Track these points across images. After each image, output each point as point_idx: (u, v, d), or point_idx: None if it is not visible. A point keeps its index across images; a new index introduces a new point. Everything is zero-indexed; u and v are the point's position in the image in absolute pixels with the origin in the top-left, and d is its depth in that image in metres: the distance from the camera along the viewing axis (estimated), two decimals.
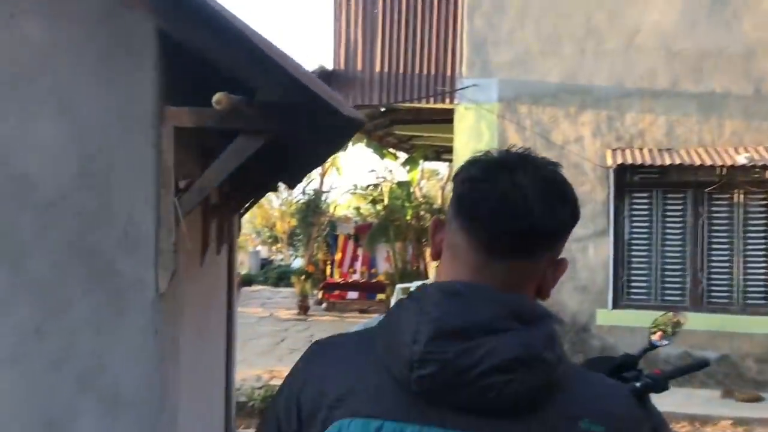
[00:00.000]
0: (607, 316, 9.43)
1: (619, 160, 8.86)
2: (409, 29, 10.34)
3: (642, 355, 4.24)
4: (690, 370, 3.75)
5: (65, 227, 2.08)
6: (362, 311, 18.87)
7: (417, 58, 10.23)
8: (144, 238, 2.08)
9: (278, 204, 30.91)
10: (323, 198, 25.48)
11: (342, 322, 16.72)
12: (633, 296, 9.45)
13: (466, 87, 9.62)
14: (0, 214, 2.07)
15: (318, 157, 3.33)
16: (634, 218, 9.39)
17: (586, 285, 9.38)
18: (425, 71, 10.21)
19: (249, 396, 8.90)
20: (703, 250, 9.23)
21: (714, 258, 9.24)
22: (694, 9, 9.21)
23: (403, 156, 18.35)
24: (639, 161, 8.82)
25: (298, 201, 27.19)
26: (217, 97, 1.97)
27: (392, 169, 21.11)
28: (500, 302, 1.02)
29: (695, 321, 8.33)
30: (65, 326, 2.07)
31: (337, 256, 21.52)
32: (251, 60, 1.99)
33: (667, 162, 8.76)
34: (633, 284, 9.43)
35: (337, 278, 20.87)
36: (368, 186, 22.50)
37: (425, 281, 13.80)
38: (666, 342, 3.95)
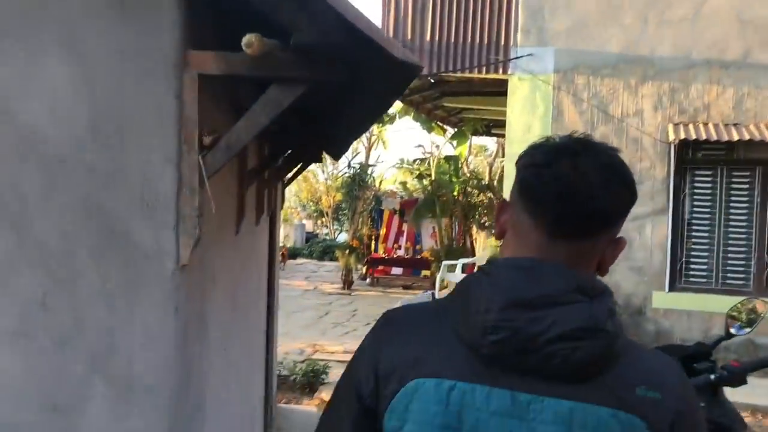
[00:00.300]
0: (663, 299, 9.13)
1: (682, 135, 8.47)
2: None
3: (716, 345, 3.84)
4: None
5: (74, 187, 1.82)
6: (406, 287, 18.71)
7: (469, 26, 9.84)
8: (163, 201, 1.81)
9: (324, 178, 30.89)
10: (369, 172, 25.30)
11: (386, 298, 16.60)
12: (691, 279, 9.12)
13: (521, 56, 9.32)
14: (1, 170, 1.82)
15: (365, 118, 3.01)
16: (696, 197, 9.04)
17: (642, 266, 9.06)
18: (477, 40, 9.81)
19: (291, 370, 8.76)
20: None
21: None
22: None
23: (451, 131, 17.96)
24: (703, 136, 8.42)
25: (343, 175, 27.08)
26: (247, 38, 1.69)
27: (439, 144, 20.76)
28: (566, 277, 1.11)
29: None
30: (73, 299, 1.82)
31: (382, 231, 21.37)
32: None
33: (735, 138, 8.34)
34: (692, 266, 9.09)
35: (381, 253, 20.74)
36: (415, 160, 22.16)
37: (472, 258, 13.55)
38: (746, 331, 3.56)
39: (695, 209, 9.05)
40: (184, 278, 1.86)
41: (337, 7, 1.56)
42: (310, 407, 7.81)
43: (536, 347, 1.06)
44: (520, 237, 1.17)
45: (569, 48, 9.28)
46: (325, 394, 8.17)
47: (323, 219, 32.15)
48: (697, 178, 9.05)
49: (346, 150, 5.16)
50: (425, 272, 18.83)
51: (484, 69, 9.86)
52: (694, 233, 9.06)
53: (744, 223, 8.91)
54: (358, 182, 23.14)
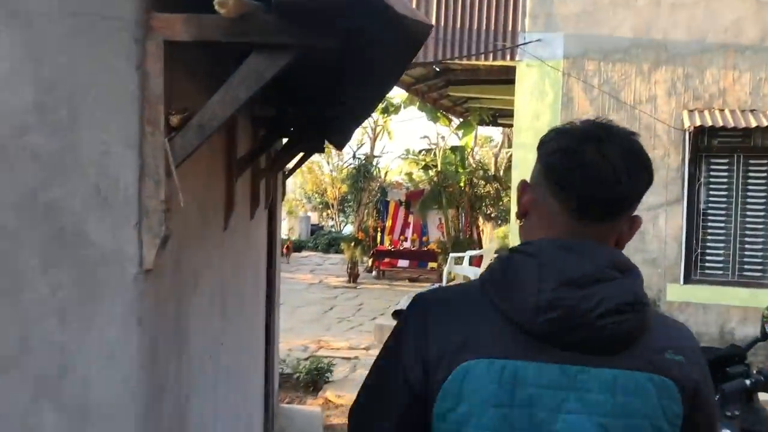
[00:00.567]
0: (678, 292, 8.90)
1: (697, 122, 8.19)
2: None
3: (751, 347, 3.54)
4: None
5: (16, 177, 1.51)
6: (412, 280, 18.46)
7: (475, 11, 9.52)
8: (122, 193, 1.50)
9: (329, 170, 30.62)
10: (374, 163, 25.02)
11: (392, 291, 16.36)
12: (707, 271, 8.87)
13: (529, 42, 9.04)
14: None
15: (368, 97, 2.69)
16: (712, 186, 8.77)
17: (656, 257, 8.81)
18: (484, 26, 9.50)
19: (294, 368, 8.51)
20: None
21: None
22: None
23: (456, 121, 17.67)
24: (719, 123, 8.15)
25: (348, 166, 26.79)
26: None
27: (445, 135, 20.45)
28: (603, 255, 1.19)
29: None
30: (17, 312, 1.52)
31: (388, 223, 21.14)
32: None
33: (753, 124, 8.08)
34: (707, 258, 8.84)
35: (387, 245, 20.49)
36: (420, 151, 21.86)
37: (479, 251, 13.31)
38: None
39: (711, 198, 8.79)
40: (150, 284, 1.55)
41: None
42: (314, 407, 7.55)
43: (588, 322, 1.14)
44: (546, 219, 1.23)
45: (579, 33, 9.00)
46: (330, 393, 7.91)
47: (329, 211, 31.92)
48: (712, 167, 8.77)
49: (349, 139, 4.86)
50: (432, 264, 18.58)
51: (491, 56, 9.54)
52: (709, 223, 8.80)
53: (762, 213, 8.65)
54: (363, 173, 22.85)
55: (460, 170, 18.72)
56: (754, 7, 8.48)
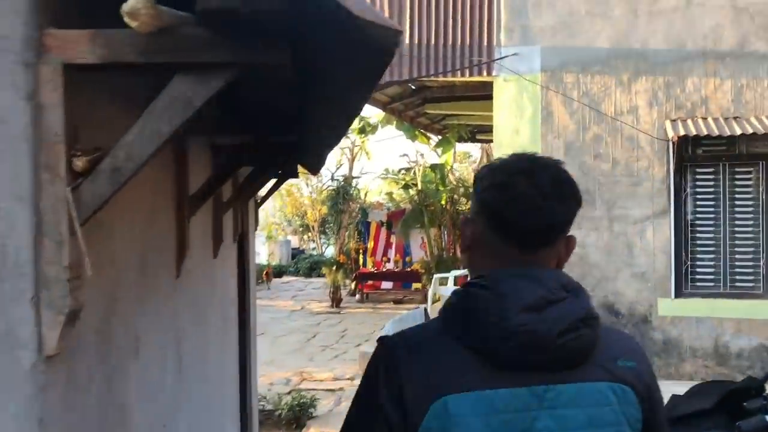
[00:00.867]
0: (669, 306, 8.68)
1: (680, 132, 8.04)
2: None
3: None
4: None
5: None
6: (397, 302, 18.12)
7: (449, 27, 9.31)
8: (13, 260, 1.16)
9: (308, 191, 30.25)
10: (353, 184, 24.72)
11: (377, 314, 16.00)
12: (698, 283, 8.67)
13: (506, 56, 8.83)
14: None
15: (336, 119, 2.35)
16: (698, 196, 8.61)
17: (644, 271, 8.61)
18: (459, 41, 9.28)
19: (276, 404, 8.15)
20: None
21: None
22: None
23: (435, 139, 17.46)
24: (703, 132, 7.99)
25: (328, 188, 26.46)
26: (130, 5, 1.07)
27: (424, 153, 20.25)
28: (551, 278, 1.25)
29: None
30: None
31: (370, 245, 20.84)
32: None
33: (737, 132, 7.95)
34: (698, 270, 8.63)
35: (370, 267, 20.15)
36: (400, 170, 21.61)
37: (463, 270, 13.05)
38: None
39: (698, 209, 8.60)
40: (56, 373, 1.22)
41: None
42: None
43: (550, 343, 1.18)
44: (489, 249, 1.30)
45: (556, 45, 8.82)
46: (314, 430, 7.54)
47: (310, 233, 31.50)
48: (698, 176, 8.59)
49: (323, 162, 4.55)
50: (416, 285, 18.27)
51: (467, 72, 9.31)
52: (698, 235, 8.60)
53: (750, 221, 8.48)
54: (342, 195, 22.54)
55: (441, 188, 18.49)
56: (732, 14, 8.35)
